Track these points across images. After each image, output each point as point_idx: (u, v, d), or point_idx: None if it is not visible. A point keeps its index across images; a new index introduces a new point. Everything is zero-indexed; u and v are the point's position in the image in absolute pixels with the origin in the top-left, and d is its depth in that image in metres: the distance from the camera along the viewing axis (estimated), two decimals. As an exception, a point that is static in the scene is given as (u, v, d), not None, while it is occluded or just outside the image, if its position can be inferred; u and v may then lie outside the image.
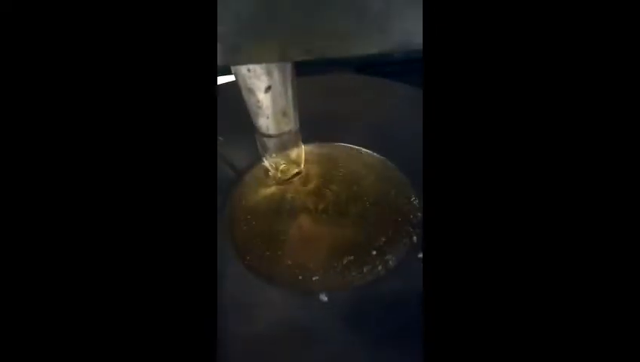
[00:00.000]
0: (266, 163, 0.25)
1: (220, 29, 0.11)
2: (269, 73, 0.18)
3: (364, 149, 0.28)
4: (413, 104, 0.29)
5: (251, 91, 0.19)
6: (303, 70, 0.21)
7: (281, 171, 0.26)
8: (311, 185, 0.27)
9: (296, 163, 0.26)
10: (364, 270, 0.22)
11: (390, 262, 0.22)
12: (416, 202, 0.25)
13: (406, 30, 0.11)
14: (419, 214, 0.24)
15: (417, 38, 0.11)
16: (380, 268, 0.22)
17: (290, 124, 0.22)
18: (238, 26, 0.11)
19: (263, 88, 0.19)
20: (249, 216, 0.25)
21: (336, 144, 0.29)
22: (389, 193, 0.26)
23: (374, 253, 0.23)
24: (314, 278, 0.22)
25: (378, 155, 0.28)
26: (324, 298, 0.21)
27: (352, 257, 0.23)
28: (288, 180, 0.26)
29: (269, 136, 0.22)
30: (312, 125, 0.25)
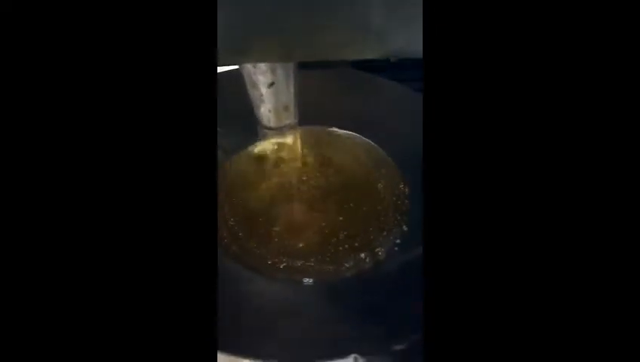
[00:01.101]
0: (265, 149, 0.26)
1: (224, 31, 0.11)
2: (272, 70, 0.19)
3: (357, 136, 0.30)
4: (402, 99, 0.31)
5: (255, 86, 0.20)
6: (302, 64, 0.22)
7: (277, 158, 0.27)
8: (303, 172, 0.27)
9: (292, 151, 0.27)
10: (351, 263, 0.23)
11: (380, 253, 0.23)
12: (405, 189, 0.26)
13: (401, 41, 0.12)
14: (407, 201, 0.25)
15: (410, 47, 0.12)
16: (367, 259, 0.23)
17: (291, 118, 0.23)
18: (245, 30, 0.12)
19: (266, 83, 0.20)
20: (237, 200, 0.26)
21: (330, 130, 0.30)
22: (379, 180, 0.27)
23: (363, 242, 0.24)
24: (299, 266, 0.23)
25: (370, 142, 0.29)
26: (308, 281, 0.22)
27: (342, 246, 0.23)
28: (282, 167, 0.27)
29: (270, 128, 0.23)
30: (309, 114, 0.26)
